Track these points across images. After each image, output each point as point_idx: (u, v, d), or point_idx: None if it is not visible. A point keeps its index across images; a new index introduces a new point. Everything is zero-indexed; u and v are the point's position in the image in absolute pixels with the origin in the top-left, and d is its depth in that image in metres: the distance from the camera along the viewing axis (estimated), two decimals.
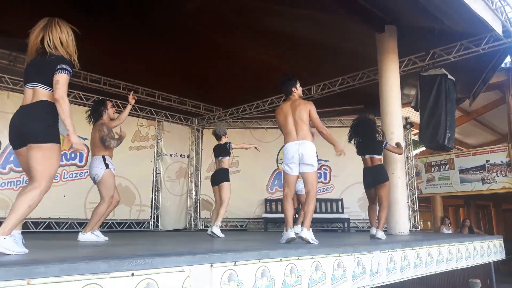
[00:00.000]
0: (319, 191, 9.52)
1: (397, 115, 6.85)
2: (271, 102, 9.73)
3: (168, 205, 9.89)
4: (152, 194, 9.54)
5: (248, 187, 9.76)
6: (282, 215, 9.47)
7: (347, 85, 8.62)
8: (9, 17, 7.42)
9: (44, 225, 7.63)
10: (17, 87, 7.66)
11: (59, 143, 2.57)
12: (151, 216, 9.42)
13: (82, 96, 8.44)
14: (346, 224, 8.97)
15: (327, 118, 9.73)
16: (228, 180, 5.85)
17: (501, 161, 10.26)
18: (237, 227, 9.99)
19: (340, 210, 9.18)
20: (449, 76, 7.03)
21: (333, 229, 9.53)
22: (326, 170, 9.78)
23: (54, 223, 7.74)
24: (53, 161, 2.52)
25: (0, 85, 7.39)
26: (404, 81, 7.93)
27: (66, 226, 7.89)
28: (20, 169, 7.52)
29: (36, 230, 7.57)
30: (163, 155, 9.97)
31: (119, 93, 8.97)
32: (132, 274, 2.04)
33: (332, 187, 9.59)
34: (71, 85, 8.98)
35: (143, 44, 7.98)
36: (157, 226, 9.50)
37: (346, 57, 8.08)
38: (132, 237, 5.99)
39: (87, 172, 8.23)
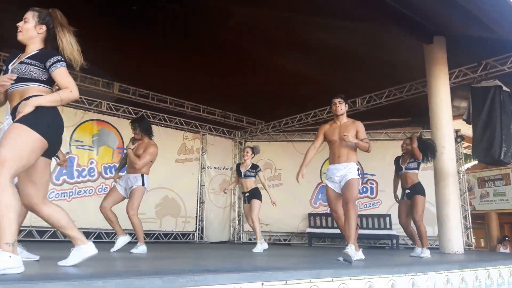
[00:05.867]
0: (365, 206, 9.32)
1: (447, 128, 6.62)
2: (314, 115, 9.66)
3: (212, 217, 9.98)
4: (197, 206, 9.67)
5: (291, 200, 9.66)
6: (327, 230, 9.34)
7: (394, 97, 8.42)
8: None
9: (95, 235, 7.88)
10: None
11: None
12: (196, 227, 9.53)
13: (131, 110, 8.73)
14: (394, 241, 8.67)
15: (372, 131, 9.52)
16: None
17: None
18: (280, 241, 9.90)
19: (388, 226, 8.89)
20: (504, 88, 6.73)
21: (380, 245, 9.23)
22: (373, 184, 9.52)
23: (104, 234, 8.00)
24: None
25: None
26: (453, 93, 7.64)
27: (113, 236, 8.11)
28: (73, 180, 7.92)
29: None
30: (207, 167, 10.10)
31: (166, 108, 9.23)
32: None
33: (379, 202, 9.29)
34: (121, 101, 9.28)
35: (187, 59, 8.18)
36: (201, 237, 9.59)
37: (392, 68, 7.92)
38: (179, 250, 6.07)
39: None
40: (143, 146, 4.90)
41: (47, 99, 2.35)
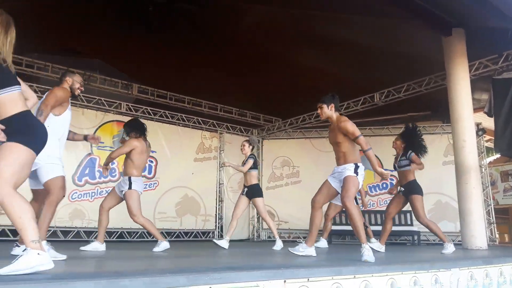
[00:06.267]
0: (386, 202, 9.21)
1: (468, 121, 6.50)
2: None
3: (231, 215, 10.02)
4: (216, 204, 9.73)
5: (310, 197, 9.53)
6: (347, 227, 9.28)
7: (413, 91, 8.29)
8: (81, 38, 7.98)
9: (117, 234, 8.01)
10: (90, 104, 8.19)
11: None
12: (215, 226, 9.61)
13: (150, 111, 8.84)
14: (416, 237, 8.57)
15: (391, 126, 9.40)
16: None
17: None
18: (300, 238, 9.88)
19: (409, 222, 8.77)
20: None
21: (402, 242, 9.14)
22: (393, 180, 9.35)
23: (126, 233, 8.12)
24: None
25: (75, 103, 7.91)
26: (474, 85, 7.50)
27: (137, 235, 8.24)
28: (95, 180, 8.07)
29: (110, 240, 7.97)
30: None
31: (184, 107, 9.31)
32: None
33: None
34: (140, 102, 9.50)
35: (204, 58, 8.25)
36: (221, 236, 9.65)
37: (410, 62, 7.82)
38: (200, 248, 6.13)
39: (155, 183, 8.59)
40: None
41: None
